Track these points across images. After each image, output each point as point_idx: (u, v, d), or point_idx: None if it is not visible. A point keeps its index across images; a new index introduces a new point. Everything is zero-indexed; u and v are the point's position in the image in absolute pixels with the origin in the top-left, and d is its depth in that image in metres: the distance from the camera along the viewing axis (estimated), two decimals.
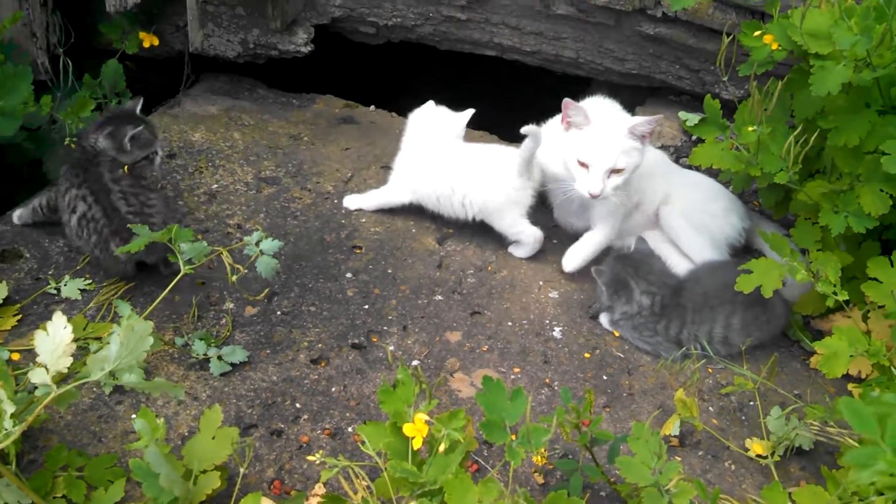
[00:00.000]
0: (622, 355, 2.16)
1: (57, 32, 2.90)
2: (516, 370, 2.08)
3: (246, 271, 2.00)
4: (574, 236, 2.44)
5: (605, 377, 2.09)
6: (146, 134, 2.31)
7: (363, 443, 1.50)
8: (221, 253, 1.99)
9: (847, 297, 1.92)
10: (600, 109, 2.32)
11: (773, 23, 2.11)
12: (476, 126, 2.69)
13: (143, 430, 1.54)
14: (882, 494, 1.49)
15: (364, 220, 2.53)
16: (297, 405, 1.94)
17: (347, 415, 1.93)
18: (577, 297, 2.33)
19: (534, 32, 2.97)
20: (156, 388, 1.58)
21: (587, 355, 2.15)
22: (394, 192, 2.54)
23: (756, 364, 2.11)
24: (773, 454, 1.86)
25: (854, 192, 2.00)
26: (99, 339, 1.98)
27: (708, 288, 2.16)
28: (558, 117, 2.31)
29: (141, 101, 2.42)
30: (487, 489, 1.41)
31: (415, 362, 2.08)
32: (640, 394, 2.05)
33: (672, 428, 1.90)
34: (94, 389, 1.92)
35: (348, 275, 2.33)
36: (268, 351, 2.08)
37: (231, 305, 2.20)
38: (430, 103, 2.58)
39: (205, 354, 2.02)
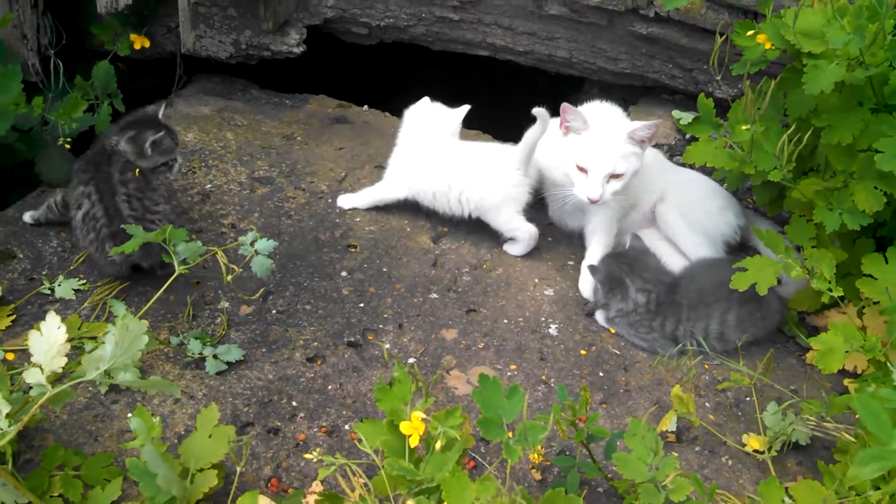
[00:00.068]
0: (618, 352, 2.17)
1: (48, 34, 2.89)
2: (512, 367, 2.08)
3: (241, 271, 1.99)
4: (569, 234, 2.45)
5: (601, 374, 2.10)
6: (167, 140, 2.30)
7: (360, 441, 1.50)
8: (216, 253, 1.98)
9: (842, 294, 1.93)
10: (599, 114, 2.32)
11: (766, 22, 2.12)
12: (469, 125, 2.70)
13: (139, 429, 1.54)
14: (878, 489, 1.50)
15: (358, 220, 2.53)
16: (294, 403, 1.94)
17: (344, 413, 1.93)
18: (573, 295, 2.34)
19: (526, 32, 2.97)
20: (151, 386, 1.58)
21: (583, 352, 2.15)
22: (389, 189, 2.54)
23: (752, 360, 2.12)
24: (769, 449, 1.86)
25: (848, 190, 2.01)
26: (94, 338, 1.97)
27: (703, 285, 2.17)
28: (555, 121, 2.31)
29: (164, 105, 2.41)
30: (484, 487, 1.41)
31: (411, 360, 2.08)
32: (637, 390, 2.06)
33: (669, 424, 1.90)
34: (90, 389, 1.91)
35: (343, 273, 2.33)
36: (263, 350, 2.07)
37: (226, 304, 2.20)
38: (426, 100, 2.59)
39: (200, 353, 2.02)
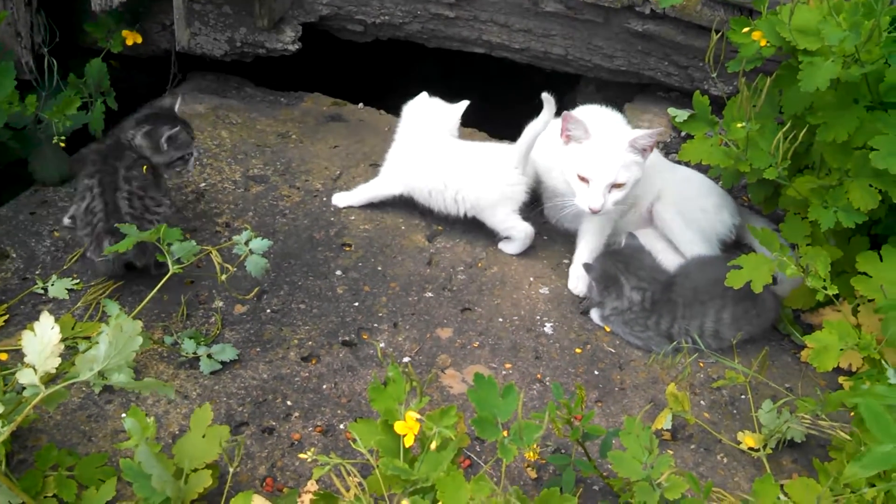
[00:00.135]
0: (613, 350, 2.17)
1: (41, 32, 2.88)
2: (508, 366, 2.08)
3: (235, 270, 1.98)
4: (565, 234, 2.44)
5: (596, 372, 2.09)
6: (183, 135, 2.31)
7: (355, 440, 1.49)
8: (210, 252, 1.98)
9: (837, 292, 1.93)
10: (599, 120, 2.30)
11: (762, 19, 2.12)
12: (465, 123, 2.68)
13: (133, 429, 1.53)
14: (874, 486, 1.50)
15: (353, 218, 2.52)
16: (289, 403, 1.94)
17: (339, 412, 1.92)
18: (568, 293, 2.33)
19: (522, 30, 2.97)
20: (146, 387, 1.57)
21: (578, 350, 2.15)
22: (385, 184, 2.54)
23: (747, 358, 2.11)
24: (764, 447, 1.86)
25: (843, 188, 2.01)
26: (87, 338, 1.96)
27: (698, 283, 2.17)
28: (553, 121, 2.30)
29: (179, 99, 2.41)
30: (479, 487, 1.41)
31: (406, 359, 2.07)
32: (632, 388, 2.06)
33: (664, 422, 1.90)
34: (84, 389, 1.91)
35: (338, 272, 2.32)
36: (258, 349, 2.07)
37: (220, 304, 2.19)
38: (424, 95, 2.58)
39: (194, 353, 2.01)
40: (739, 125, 2.05)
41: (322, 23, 3.11)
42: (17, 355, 1.85)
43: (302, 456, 1.60)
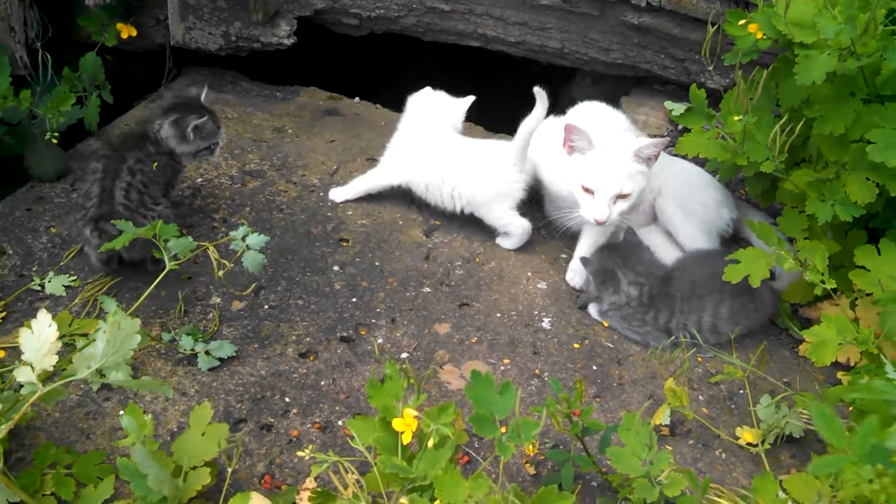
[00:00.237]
0: (611, 345, 2.16)
1: (35, 26, 2.86)
2: (506, 361, 2.08)
3: (232, 266, 1.98)
4: (564, 231, 2.43)
5: (594, 367, 2.09)
6: (210, 125, 2.31)
7: (352, 438, 1.49)
8: (207, 248, 1.97)
9: (835, 286, 1.92)
10: (601, 125, 2.26)
11: (758, 12, 2.11)
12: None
13: (130, 427, 1.53)
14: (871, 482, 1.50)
15: (350, 213, 2.52)
16: (287, 399, 1.93)
17: (337, 408, 1.92)
18: (566, 288, 2.33)
19: (518, 23, 2.96)
20: (143, 386, 1.57)
21: (576, 346, 2.15)
22: (383, 174, 2.54)
23: (745, 352, 2.12)
24: (763, 442, 1.86)
25: (840, 181, 2.01)
26: (85, 335, 1.96)
27: (696, 277, 2.16)
28: (552, 120, 2.28)
29: (206, 88, 2.41)
30: (477, 484, 1.41)
31: (404, 355, 2.07)
32: (630, 383, 2.06)
33: (662, 417, 1.91)
34: (82, 386, 1.90)
35: (335, 268, 2.32)
36: (256, 345, 2.07)
37: (218, 300, 2.19)
38: (428, 89, 2.58)
39: (192, 349, 2.01)
40: (736, 118, 2.05)
41: (317, 17, 3.10)
42: (15, 352, 1.84)
43: (300, 453, 1.60)
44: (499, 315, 2.21)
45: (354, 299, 2.22)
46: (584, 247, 2.33)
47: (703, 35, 2.22)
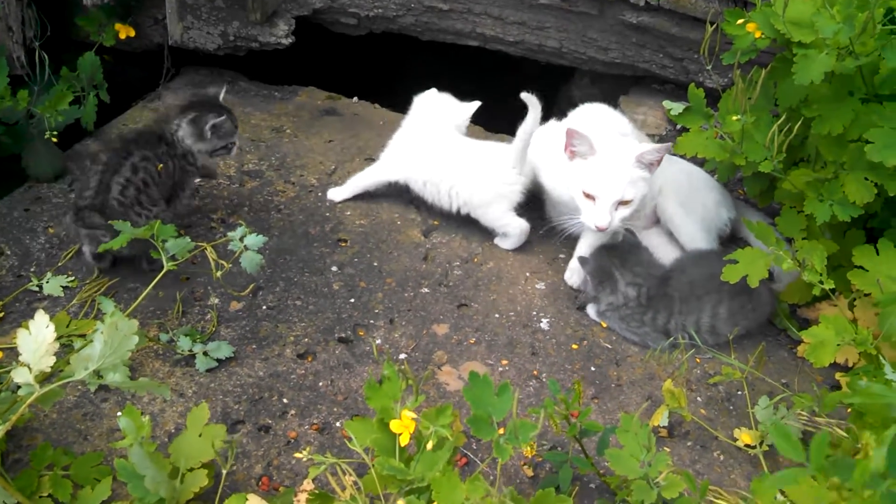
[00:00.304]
0: (610, 346, 2.16)
1: (33, 26, 2.86)
2: (504, 362, 2.08)
3: (230, 266, 1.98)
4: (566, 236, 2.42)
5: (592, 368, 2.09)
6: (228, 124, 2.31)
7: (350, 439, 1.49)
8: (205, 249, 1.97)
9: (833, 286, 1.92)
10: (602, 128, 2.24)
11: (756, 11, 2.11)
12: None
13: (128, 428, 1.53)
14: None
15: (349, 213, 2.52)
16: (285, 400, 1.93)
17: (335, 409, 1.92)
18: (564, 289, 2.33)
19: (516, 22, 2.96)
20: (141, 387, 1.57)
21: (575, 346, 2.14)
22: (382, 170, 2.54)
23: (743, 353, 2.11)
24: (761, 444, 1.86)
25: (839, 181, 2.00)
26: (83, 336, 1.96)
27: (694, 277, 2.16)
28: (552, 125, 2.26)
29: (225, 88, 2.41)
30: (475, 486, 1.40)
31: (402, 356, 2.07)
32: (629, 384, 2.05)
33: (660, 418, 1.90)
34: (79, 387, 1.90)
35: (334, 268, 2.32)
36: (254, 346, 2.06)
37: (216, 301, 2.18)
38: (434, 90, 2.59)
39: (190, 350, 2.01)
40: (734, 118, 2.04)
41: (315, 16, 3.09)
42: (12, 353, 1.84)
43: (298, 455, 1.59)
44: (497, 316, 2.21)
45: (353, 300, 2.22)
46: (584, 247, 2.33)
47: (701, 34, 2.22)
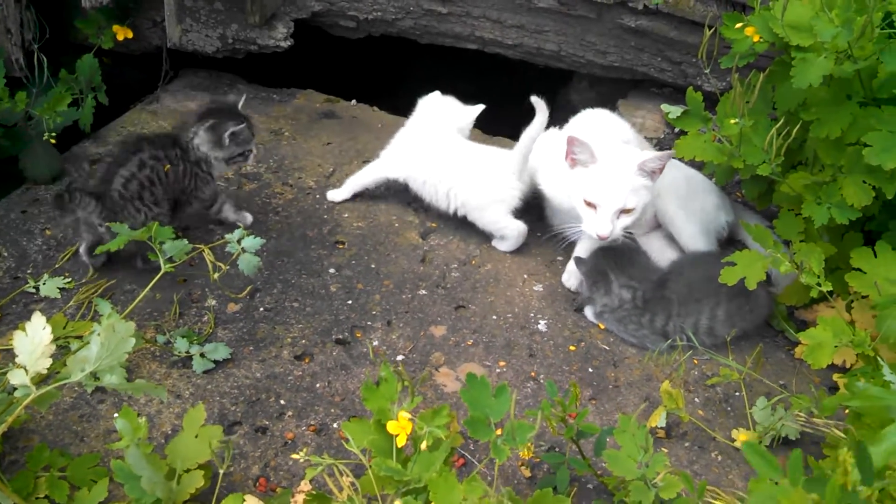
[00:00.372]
0: (607, 347, 2.16)
1: (32, 28, 2.86)
2: (501, 364, 2.07)
3: (228, 268, 1.97)
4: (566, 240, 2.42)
5: (590, 370, 2.09)
6: (246, 132, 2.31)
7: (347, 440, 1.49)
8: (203, 250, 1.97)
9: (831, 288, 1.93)
10: (603, 135, 2.23)
11: (755, 15, 2.11)
12: None
13: (124, 430, 1.53)
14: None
15: (346, 216, 2.52)
16: (282, 402, 1.93)
17: (332, 411, 1.92)
18: (562, 290, 2.33)
19: (515, 26, 2.96)
20: (138, 389, 1.56)
21: (572, 348, 2.14)
22: (383, 167, 2.55)
23: (741, 355, 2.11)
24: (759, 444, 1.85)
25: (837, 184, 2.01)
26: (79, 337, 1.96)
27: (692, 280, 2.16)
28: (552, 132, 2.26)
29: (244, 96, 2.40)
30: (472, 488, 1.40)
31: (399, 357, 2.07)
32: (626, 386, 2.05)
33: (658, 420, 1.90)
34: (76, 388, 1.90)
35: (331, 270, 2.31)
36: (251, 348, 2.06)
37: (213, 302, 2.18)
38: (437, 93, 2.60)
39: (187, 352, 2.00)
40: (733, 121, 2.05)
41: (314, 19, 3.09)
42: (9, 355, 1.84)
43: (295, 456, 1.59)
44: (495, 317, 2.21)
45: (350, 301, 2.22)
46: (583, 249, 2.32)
47: (699, 38, 2.22)
